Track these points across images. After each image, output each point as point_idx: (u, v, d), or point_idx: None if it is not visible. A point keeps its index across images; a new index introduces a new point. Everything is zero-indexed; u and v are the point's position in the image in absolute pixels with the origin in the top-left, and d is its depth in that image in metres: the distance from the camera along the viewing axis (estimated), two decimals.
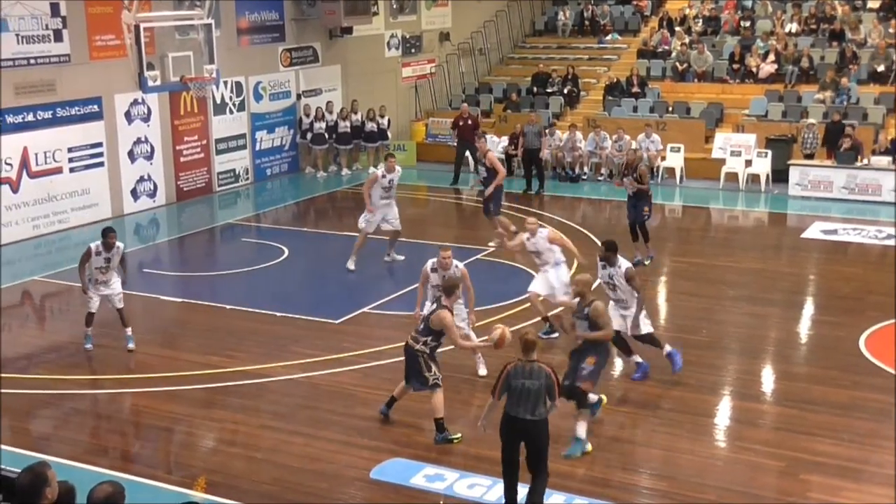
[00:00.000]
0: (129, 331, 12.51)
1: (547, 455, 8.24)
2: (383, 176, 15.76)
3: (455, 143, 23.26)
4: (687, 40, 26.72)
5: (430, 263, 11.18)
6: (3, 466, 6.60)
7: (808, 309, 14.25)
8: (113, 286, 12.43)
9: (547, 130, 23.06)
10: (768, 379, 11.65)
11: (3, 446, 9.61)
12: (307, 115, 23.43)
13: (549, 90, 26.24)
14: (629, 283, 11.01)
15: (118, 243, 12.26)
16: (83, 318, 12.47)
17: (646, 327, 11.24)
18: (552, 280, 12.58)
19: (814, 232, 18.05)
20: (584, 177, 22.93)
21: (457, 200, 21.75)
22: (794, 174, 20.96)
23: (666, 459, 9.47)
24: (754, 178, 21.67)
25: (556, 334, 12.39)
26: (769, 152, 21.72)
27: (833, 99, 23.06)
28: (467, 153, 22.84)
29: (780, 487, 8.97)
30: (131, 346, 12.45)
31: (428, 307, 10.71)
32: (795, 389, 11.07)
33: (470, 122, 22.87)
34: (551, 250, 12.63)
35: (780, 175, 21.35)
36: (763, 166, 21.60)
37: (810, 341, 12.86)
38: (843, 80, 23.29)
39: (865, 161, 20.46)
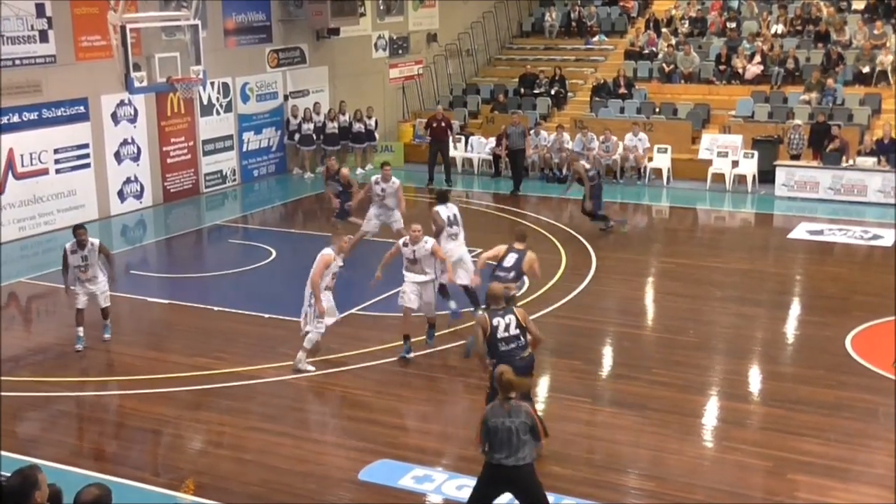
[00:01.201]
0: (107, 321, 12.71)
1: (543, 498, 7.62)
2: (376, 184, 15.97)
3: (428, 144, 23.22)
4: (673, 41, 26.79)
5: (403, 239, 12.11)
6: None
7: (795, 309, 14.31)
8: (99, 284, 12.48)
9: (532, 131, 23.10)
10: (755, 379, 11.69)
11: None
12: (295, 117, 23.40)
13: (536, 91, 26.27)
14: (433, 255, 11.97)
15: (91, 240, 12.33)
16: (73, 319, 12.43)
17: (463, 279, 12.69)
18: (427, 295, 11.96)
19: (800, 232, 18.12)
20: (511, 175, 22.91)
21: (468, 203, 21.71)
22: (780, 175, 21.04)
23: (654, 460, 9.49)
24: (741, 179, 21.75)
25: (412, 354, 11.75)
26: (755, 153, 21.80)
27: (819, 100, 23.16)
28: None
29: (768, 487, 9.00)
30: (107, 335, 12.64)
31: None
32: (782, 389, 11.12)
33: (444, 123, 22.86)
34: (432, 262, 11.91)
35: (766, 176, 21.43)
36: (749, 167, 21.68)
37: (797, 341, 12.91)
38: (829, 82, 23.40)
39: (851, 162, 20.56)
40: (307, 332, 11.52)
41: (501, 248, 11.65)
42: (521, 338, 9.15)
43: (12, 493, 5.41)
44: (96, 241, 12.42)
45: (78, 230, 12.37)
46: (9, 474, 6.12)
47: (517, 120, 22.61)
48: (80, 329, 12.46)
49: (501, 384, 7.51)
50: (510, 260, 11.42)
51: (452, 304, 12.95)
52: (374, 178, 16.32)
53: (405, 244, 11.95)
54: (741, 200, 21.15)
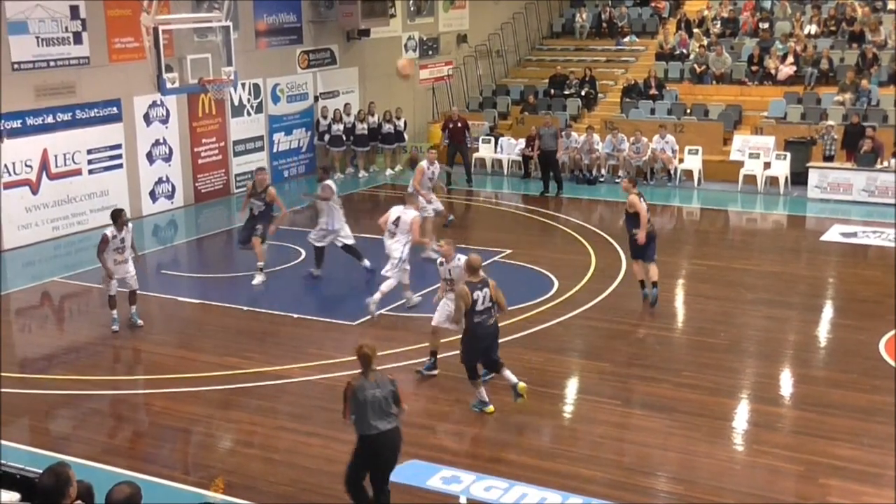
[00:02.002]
0: (134, 308, 13.32)
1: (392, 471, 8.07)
2: (428, 168, 16.93)
3: (446, 145, 23.14)
4: (705, 42, 26.63)
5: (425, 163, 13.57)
6: (22, 467, 6.65)
7: (827, 312, 14.17)
8: (128, 268, 13.19)
9: (563, 132, 23.05)
10: (787, 382, 11.59)
11: (22, 446, 9.69)
12: (324, 118, 23.50)
13: (566, 92, 26.20)
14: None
15: (129, 223, 13.16)
16: (105, 316, 12.59)
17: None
18: (450, 308, 11.24)
19: (833, 235, 17.94)
20: (602, 179, 22.89)
21: (468, 201, 21.74)
22: (813, 176, 20.85)
23: (683, 463, 9.44)
24: (773, 181, 21.57)
25: (436, 371, 11.55)
26: (788, 154, 21.61)
27: (853, 101, 22.93)
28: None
29: (799, 492, 8.92)
30: (140, 322, 13.27)
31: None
32: (814, 393, 11.01)
33: (460, 124, 22.88)
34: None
35: (799, 177, 21.25)
36: (782, 169, 21.50)
37: (829, 345, 12.78)
38: (864, 82, 23.15)
39: (886, 164, 20.32)
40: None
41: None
42: (492, 309, 10.25)
43: (48, 492, 5.48)
44: (131, 224, 13.31)
45: (120, 214, 13.11)
46: (31, 469, 6.21)
47: (549, 121, 22.55)
48: (115, 312, 13.14)
49: (363, 358, 8.00)
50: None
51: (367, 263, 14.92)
52: (423, 162, 17.13)
53: (441, 263, 11.56)
54: (773, 202, 20.98)
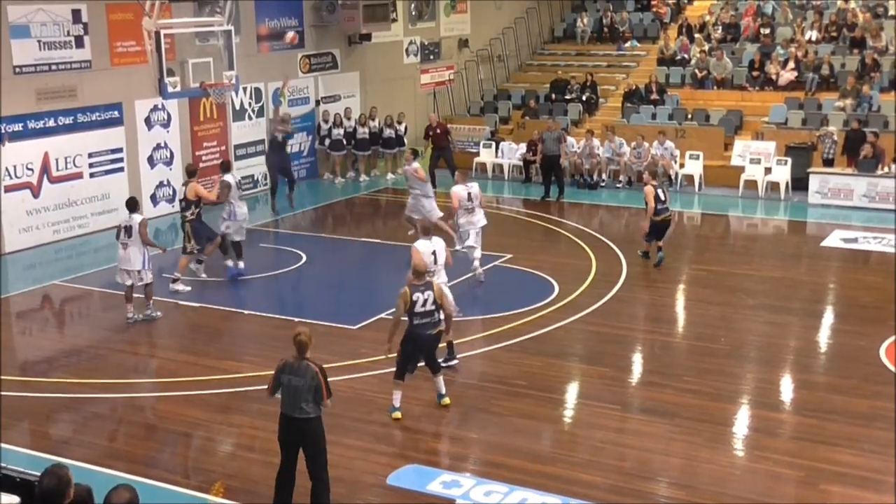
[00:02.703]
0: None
1: (325, 460, 8.30)
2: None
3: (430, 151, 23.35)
4: (706, 47, 26.65)
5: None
6: (22, 470, 6.65)
7: (828, 318, 14.17)
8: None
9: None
10: (787, 388, 11.59)
11: (23, 450, 9.69)
12: (325, 122, 23.51)
13: (567, 97, 26.21)
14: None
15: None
16: (107, 322, 12.56)
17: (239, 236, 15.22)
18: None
19: (834, 240, 17.95)
20: (603, 184, 22.90)
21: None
22: (813, 182, 20.87)
23: (684, 468, 9.43)
24: (774, 186, 21.58)
25: (455, 361, 11.80)
26: (789, 160, 21.63)
27: (854, 107, 22.94)
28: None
29: (800, 497, 8.91)
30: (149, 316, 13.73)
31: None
32: (815, 399, 11.01)
33: (440, 130, 23.04)
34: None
35: (799, 183, 21.26)
36: (783, 174, 21.51)
37: (830, 350, 12.78)
38: (865, 88, 23.17)
39: (886, 169, 20.33)
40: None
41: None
42: (436, 314, 10.31)
43: (49, 493, 5.49)
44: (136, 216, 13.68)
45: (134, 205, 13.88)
46: (29, 472, 6.21)
47: (552, 126, 22.56)
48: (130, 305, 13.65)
49: (297, 344, 8.26)
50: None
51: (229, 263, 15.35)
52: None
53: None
54: (774, 208, 20.99)
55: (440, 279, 11.91)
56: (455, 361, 11.74)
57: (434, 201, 17.09)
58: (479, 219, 15.08)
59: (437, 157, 22.94)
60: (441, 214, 16.74)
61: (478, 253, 15.01)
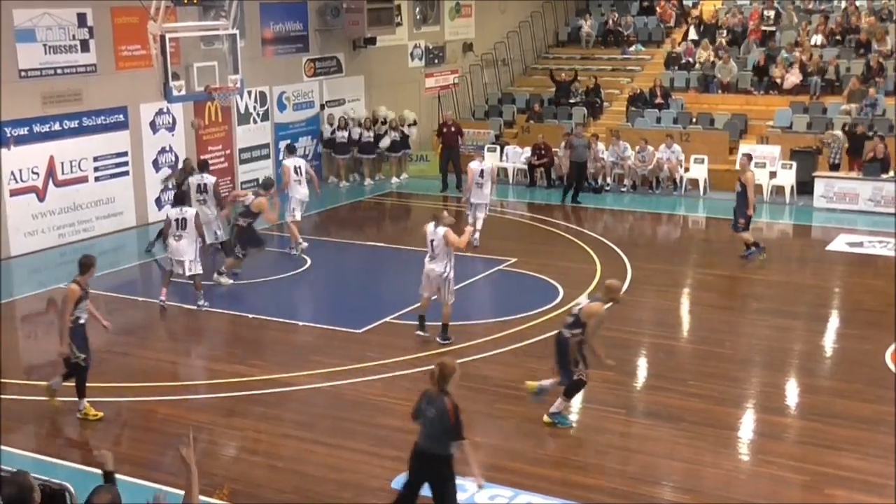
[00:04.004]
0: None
1: (452, 502, 7.72)
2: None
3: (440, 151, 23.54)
4: (711, 51, 26.64)
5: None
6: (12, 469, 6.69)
7: (833, 322, 14.15)
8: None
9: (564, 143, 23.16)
10: (792, 392, 11.58)
11: (28, 453, 9.72)
12: (330, 125, 23.52)
13: (571, 101, 26.22)
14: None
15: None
16: (124, 325, 12.60)
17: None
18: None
19: (839, 244, 17.93)
20: (607, 188, 22.89)
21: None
22: (819, 186, 20.85)
23: (689, 472, 9.43)
24: (779, 190, 21.56)
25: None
26: (794, 164, 21.61)
27: (859, 110, 22.92)
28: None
29: (805, 501, 8.90)
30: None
31: None
32: (820, 403, 11.00)
33: (454, 129, 23.14)
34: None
35: (804, 187, 21.25)
36: (788, 178, 21.49)
37: (835, 355, 12.77)
38: (871, 91, 23.16)
39: (892, 173, 20.31)
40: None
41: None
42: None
43: (12, 502, 5.46)
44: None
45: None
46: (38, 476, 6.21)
47: (580, 131, 22.26)
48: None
49: (436, 373, 7.72)
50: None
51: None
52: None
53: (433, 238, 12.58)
54: (779, 212, 20.97)
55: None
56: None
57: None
58: (486, 193, 17.55)
59: (447, 157, 23.00)
60: None
61: (479, 224, 17.24)
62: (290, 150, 18.30)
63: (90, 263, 10.79)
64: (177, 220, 14.21)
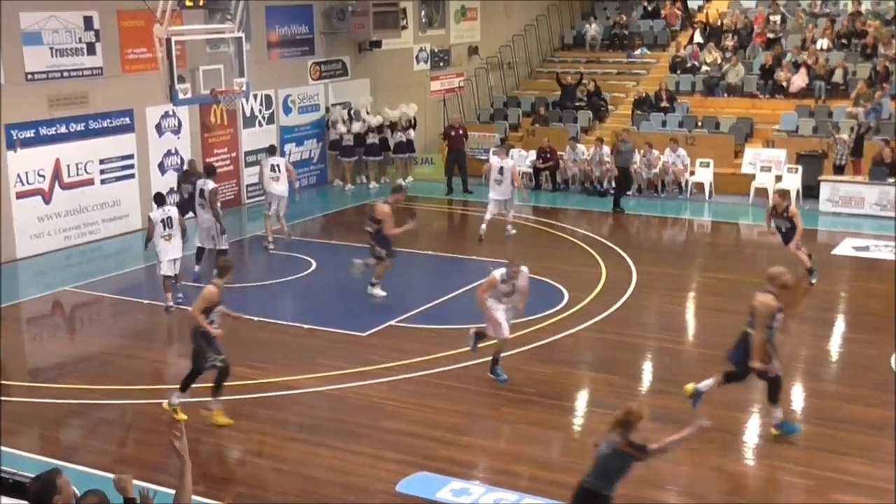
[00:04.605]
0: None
1: None
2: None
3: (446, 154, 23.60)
4: (717, 54, 26.62)
5: (500, 273, 11.41)
6: (15, 471, 6.70)
7: (839, 326, 14.13)
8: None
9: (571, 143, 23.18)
10: (798, 397, 11.55)
11: (33, 455, 9.73)
12: (334, 126, 23.43)
13: (577, 104, 26.20)
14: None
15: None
16: (117, 328, 12.64)
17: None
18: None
19: (845, 248, 17.90)
20: (612, 192, 22.83)
21: (476, 212, 21.70)
22: (824, 190, 20.82)
23: (694, 477, 9.42)
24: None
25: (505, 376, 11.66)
26: (799, 168, 21.58)
27: (866, 113, 22.87)
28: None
29: None
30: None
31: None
32: (825, 407, 10.98)
33: (461, 131, 23.26)
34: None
35: (810, 191, 21.22)
36: (793, 182, 21.45)
37: (840, 359, 12.75)
38: (877, 95, 23.12)
39: None
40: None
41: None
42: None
43: (34, 499, 5.46)
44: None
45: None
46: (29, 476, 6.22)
47: (626, 137, 21.92)
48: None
49: (620, 419, 7.27)
50: None
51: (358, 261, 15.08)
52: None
53: (504, 279, 11.38)
54: None
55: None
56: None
57: None
58: (504, 190, 18.14)
59: (452, 159, 23.07)
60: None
61: (488, 216, 18.15)
62: (271, 151, 18.62)
63: (230, 266, 10.80)
64: (163, 220, 14.43)
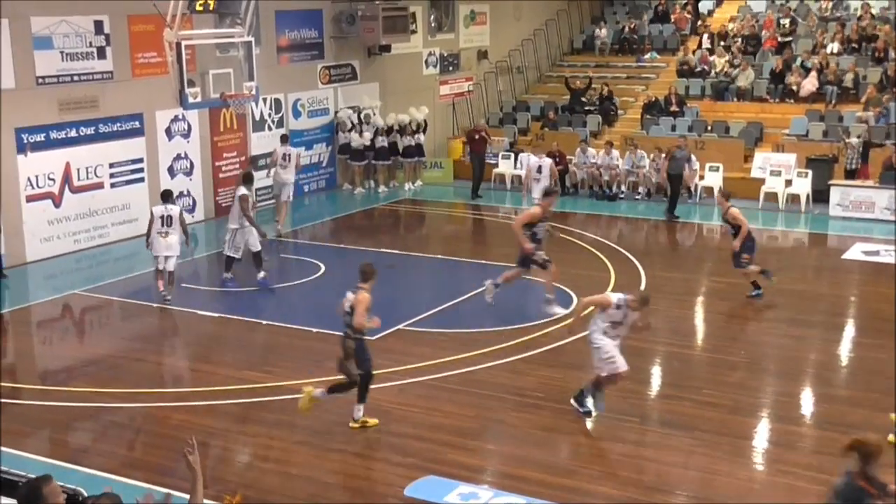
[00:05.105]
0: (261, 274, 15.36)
1: None
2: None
3: (468, 157, 23.90)
4: (727, 59, 26.57)
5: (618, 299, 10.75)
6: (24, 473, 6.71)
7: (849, 331, 14.06)
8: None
9: (584, 148, 23.13)
10: (808, 401, 11.50)
11: (43, 458, 9.74)
12: (343, 131, 23.45)
13: (586, 108, 26.17)
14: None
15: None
16: (126, 331, 12.65)
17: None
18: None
19: (855, 253, 17.82)
20: (622, 195, 22.83)
21: (485, 216, 21.72)
22: (835, 194, 20.74)
23: (703, 482, 9.37)
24: (794, 199, 21.46)
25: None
26: (810, 172, 21.52)
27: (876, 118, 22.79)
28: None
29: None
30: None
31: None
32: (836, 412, 10.92)
33: (485, 133, 23.58)
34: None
35: (820, 195, 21.15)
36: (803, 186, 21.39)
37: (851, 364, 12.68)
38: (885, 99, 23.05)
39: None
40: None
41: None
42: (349, 317, 10.30)
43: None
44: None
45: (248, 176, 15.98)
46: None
47: (683, 143, 21.49)
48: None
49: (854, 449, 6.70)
50: None
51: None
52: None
53: (619, 306, 10.67)
54: (794, 220, 20.87)
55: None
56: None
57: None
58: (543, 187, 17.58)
59: (476, 164, 23.19)
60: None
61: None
62: (283, 140, 20.32)
63: (372, 271, 10.74)
64: (162, 216, 14.74)
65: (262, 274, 15.67)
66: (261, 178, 22.04)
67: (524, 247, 14.13)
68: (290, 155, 19.56)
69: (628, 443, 10.20)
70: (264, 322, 14.09)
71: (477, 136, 23.29)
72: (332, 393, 10.56)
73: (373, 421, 10.49)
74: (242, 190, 15.62)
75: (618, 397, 11.27)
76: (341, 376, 10.55)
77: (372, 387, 11.53)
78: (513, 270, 14.57)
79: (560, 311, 14.07)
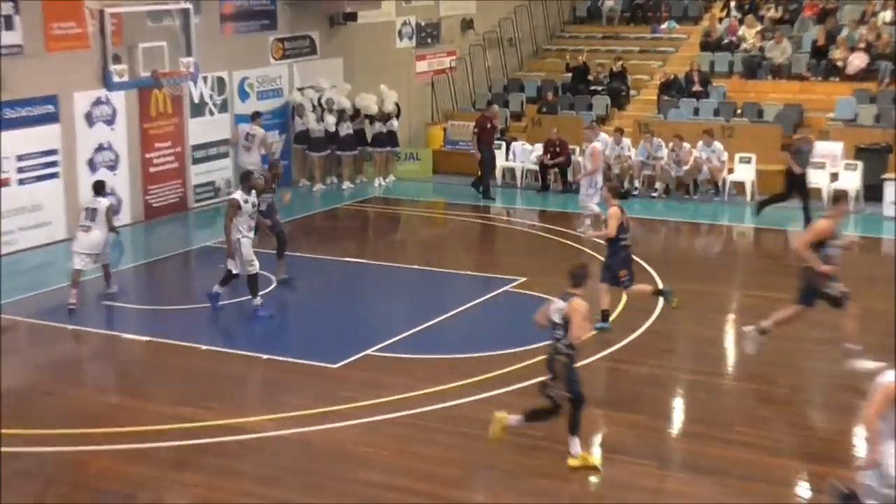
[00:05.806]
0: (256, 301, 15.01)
1: None
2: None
3: (476, 149, 23.34)
4: (759, 28, 26.69)
5: None
6: None
7: None
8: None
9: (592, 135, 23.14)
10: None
11: None
12: (300, 116, 23.38)
13: (592, 88, 26.22)
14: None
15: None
16: (51, 359, 12.51)
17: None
18: None
19: None
20: (635, 192, 22.82)
21: (481, 219, 21.70)
22: (889, 191, 20.83)
23: (717, 498, 9.35)
24: (841, 196, 21.49)
25: None
26: (859, 164, 21.61)
27: None
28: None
29: None
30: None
31: None
32: None
33: (496, 121, 23.58)
34: None
35: (872, 192, 21.24)
36: (852, 181, 21.47)
37: None
38: None
39: None
40: None
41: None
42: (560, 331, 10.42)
43: None
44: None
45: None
46: None
47: (808, 136, 21.28)
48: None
49: None
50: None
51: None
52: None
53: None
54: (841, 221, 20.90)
55: None
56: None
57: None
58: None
59: (488, 159, 23.25)
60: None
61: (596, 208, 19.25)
62: (252, 118, 21.51)
63: (586, 274, 10.82)
64: (87, 208, 15.23)
65: (258, 301, 15.17)
66: (200, 174, 21.97)
67: (820, 270, 12.93)
68: (254, 135, 19.67)
69: (644, 491, 10.16)
70: (203, 347, 14.00)
71: (489, 125, 23.15)
72: (529, 421, 10.55)
73: (593, 459, 10.43)
74: (236, 193, 15.35)
75: (633, 436, 11.26)
76: (544, 401, 10.47)
77: (334, 425, 11.49)
78: (791, 309, 13.32)
79: (871, 365, 11.79)
